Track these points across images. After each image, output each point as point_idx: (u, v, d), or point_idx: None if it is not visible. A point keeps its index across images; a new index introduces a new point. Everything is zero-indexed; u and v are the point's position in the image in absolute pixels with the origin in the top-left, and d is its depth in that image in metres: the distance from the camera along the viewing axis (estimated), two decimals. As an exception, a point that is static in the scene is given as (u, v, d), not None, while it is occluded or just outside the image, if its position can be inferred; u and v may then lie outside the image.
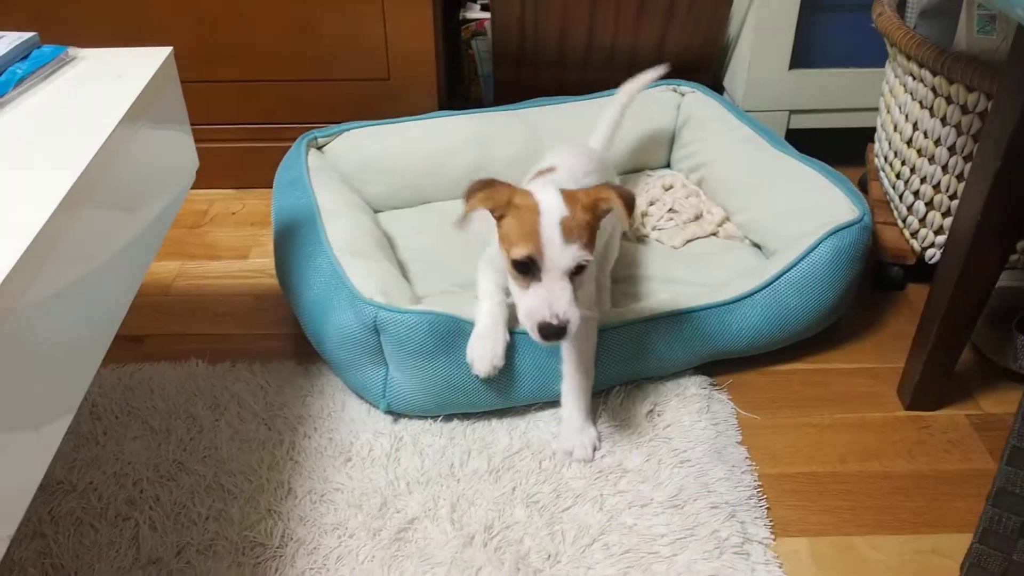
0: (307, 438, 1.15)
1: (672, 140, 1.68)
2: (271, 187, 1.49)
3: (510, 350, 1.13)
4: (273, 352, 1.30)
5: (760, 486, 1.08)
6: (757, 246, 1.47)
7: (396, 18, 1.55)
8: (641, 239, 1.50)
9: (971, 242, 1.05)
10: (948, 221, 1.31)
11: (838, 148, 1.67)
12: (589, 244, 0.98)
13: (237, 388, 1.22)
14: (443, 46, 1.65)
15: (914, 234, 1.38)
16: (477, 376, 1.12)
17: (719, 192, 1.55)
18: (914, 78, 1.30)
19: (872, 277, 1.44)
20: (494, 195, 1.00)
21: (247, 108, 1.64)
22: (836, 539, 1.02)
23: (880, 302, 1.42)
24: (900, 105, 1.36)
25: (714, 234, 1.50)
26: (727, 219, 1.52)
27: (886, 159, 1.44)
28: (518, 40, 1.67)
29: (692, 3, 1.60)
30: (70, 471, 1.09)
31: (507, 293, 1.10)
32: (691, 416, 1.17)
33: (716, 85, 1.79)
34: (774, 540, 1.01)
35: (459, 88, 1.87)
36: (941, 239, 1.34)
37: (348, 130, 1.54)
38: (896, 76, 1.37)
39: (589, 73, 1.73)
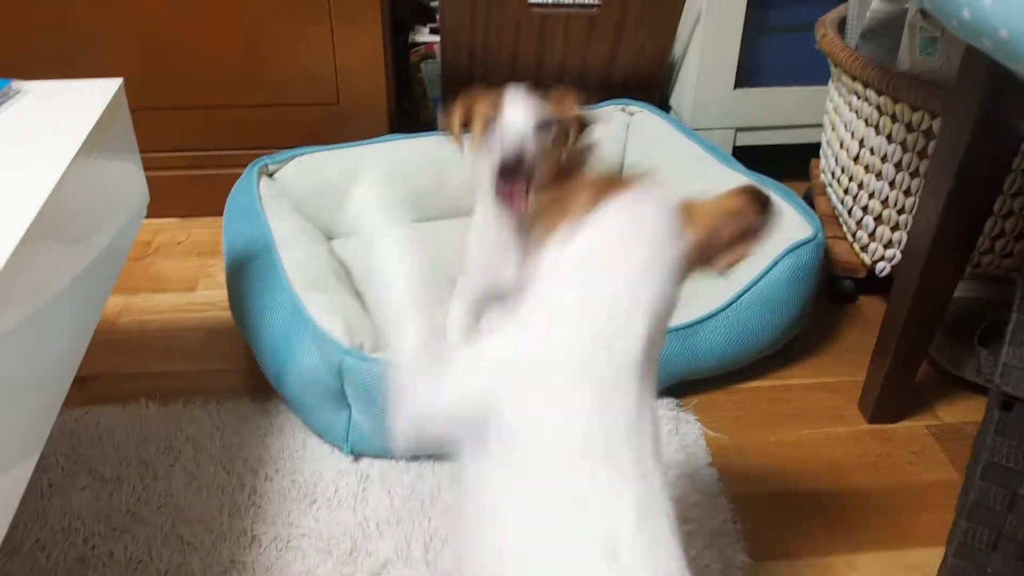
0: (268, 480, 1.11)
1: (622, 159, 1.68)
2: (217, 215, 1.45)
3: None
4: (227, 390, 1.26)
5: (734, 509, 1.08)
6: (711, 264, 1.47)
7: (345, 42, 1.53)
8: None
9: (926, 258, 1.07)
10: (897, 235, 1.34)
11: (782, 163, 1.69)
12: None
13: (191, 430, 1.18)
14: (392, 69, 1.62)
15: (864, 248, 1.40)
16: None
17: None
18: (859, 97, 1.32)
19: (824, 291, 1.46)
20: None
21: (192, 135, 1.60)
22: (814, 560, 1.02)
23: (833, 315, 1.44)
24: (846, 123, 1.38)
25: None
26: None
27: (833, 175, 1.46)
28: (467, 62, 1.66)
29: (639, 24, 1.61)
30: (13, 529, 1.02)
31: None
32: (659, 439, 1.17)
33: (663, 104, 1.81)
34: (754, 564, 1.01)
35: (408, 111, 1.85)
36: (891, 252, 1.36)
37: (300, 156, 1.51)
38: (840, 95, 1.39)
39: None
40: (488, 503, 0.62)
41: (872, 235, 1.38)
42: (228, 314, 1.33)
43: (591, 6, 1.58)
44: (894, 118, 1.26)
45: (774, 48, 1.68)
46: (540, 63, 1.67)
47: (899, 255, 1.35)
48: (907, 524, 1.07)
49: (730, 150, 1.72)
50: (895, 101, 1.25)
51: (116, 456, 1.14)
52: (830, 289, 1.46)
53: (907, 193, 1.29)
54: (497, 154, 1.01)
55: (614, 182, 0.73)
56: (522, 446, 0.62)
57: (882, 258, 1.38)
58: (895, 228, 1.33)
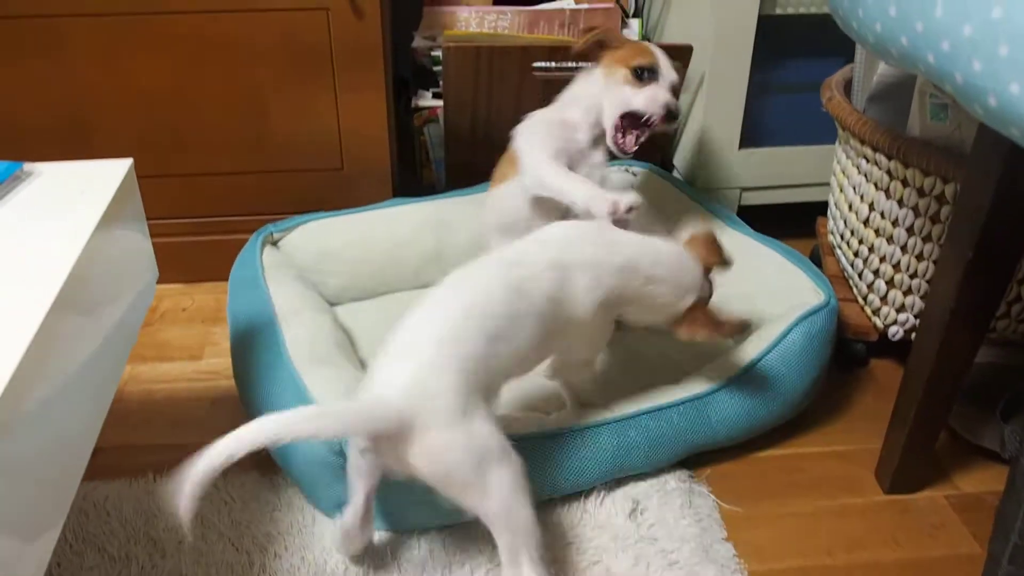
0: (278, 558, 1.09)
1: (628, 221, 1.68)
2: (221, 280, 1.44)
3: None
4: (236, 463, 1.23)
5: (753, 586, 1.06)
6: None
7: (349, 108, 1.53)
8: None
9: (945, 329, 1.06)
10: (910, 299, 1.33)
11: (788, 221, 1.69)
12: None
13: (199, 505, 1.15)
14: (395, 133, 1.63)
15: (876, 312, 1.40)
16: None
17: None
18: (868, 161, 1.32)
19: (835, 355, 1.44)
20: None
21: (197, 202, 1.59)
22: (837, 641, 1.00)
23: (845, 380, 1.43)
24: (855, 186, 1.38)
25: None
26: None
27: (842, 237, 1.46)
28: (470, 126, 1.67)
29: (643, 87, 1.62)
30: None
31: None
32: (674, 513, 1.15)
33: (667, 164, 1.81)
34: (775, 646, 0.99)
35: (411, 173, 1.85)
36: (904, 316, 1.35)
37: (305, 223, 1.51)
38: (849, 157, 1.39)
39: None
40: None
41: (884, 299, 1.37)
42: (233, 383, 1.31)
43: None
44: (905, 183, 1.26)
45: (779, 108, 1.69)
46: (545, 125, 1.67)
47: (912, 319, 1.34)
48: (930, 601, 1.06)
49: (735, 210, 1.72)
50: (906, 166, 1.24)
51: (124, 533, 1.12)
52: (841, 353, 1.45)
53: (920, 258, 1.28)
54: (643, 100, 1.26)
55: None
56: None
57: (895, 322, 1.37)
58: (907, 292, 1.33)
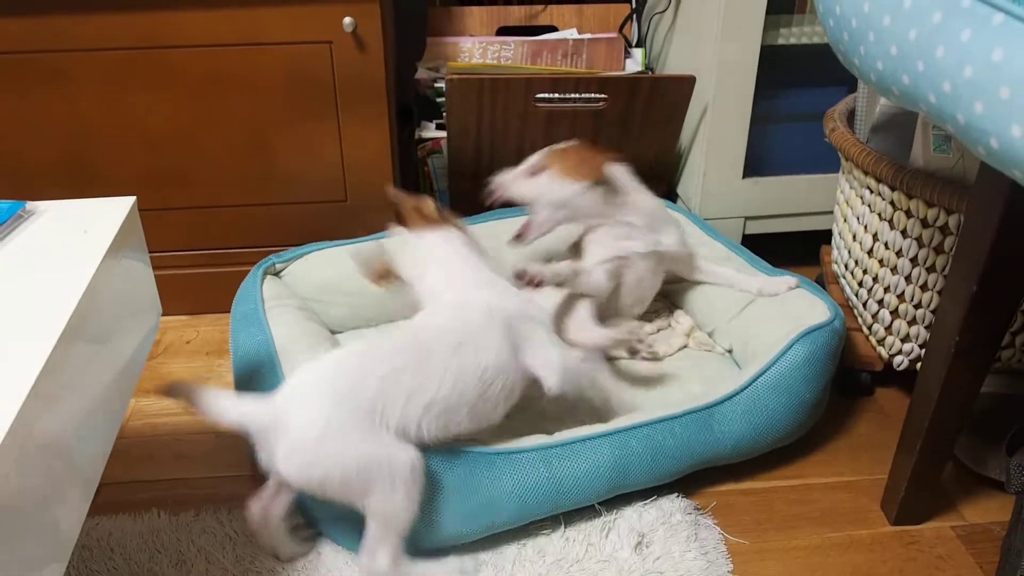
0: (282, 593, 1.09)
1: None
2: (225, 312, 1.45)
3: (483, 472, 1.11)
4: (239, 497, 1.22)
5: (760, 623, 1.05)
6: (728, 351, 1.47)
7: (352, 140, 1.54)
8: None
9: (950, 361, 1.05)
10: (915, 329, 1.33)
11: (792, 249, 1.69)
12: None
13: (203, 541, 1.15)
14: (398, 164, 1.63)
15: (881, 341, 1.39)
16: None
17: (686, 301, 1.55)
18: (872, 192, 1.32)
19: (840, 384, 1.44)
20: None
21: (200, 234, 1.60)
22: None
23: (850, 409, 1.43)
24: (858, 216, 1.38)
25: (685, 345, 1.50)
26: (695, 327, 1.52)
27: (846, 267, 1.46)
28: (473, 156, 1.67)
29: (645, 118, 1.63)
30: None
31: None
32: (680, 546, 1.14)
33: (670, 194, 1.81)
34: None
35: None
36: (908, 346, 1.35)
37: (308, 253, 1.51)
38: (852, 187, 1.40)
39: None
40: None
41: (889, 329, 1.36)
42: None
43: (597, 100, 1.59)
44: (908, 213, 1.26)
45: (782, 137, 1.69)
46: (548, 156, 1.68)
47: (917, 349, 1.34)
48: (939, 637, 1.05)
49: (739, 239, 1.72)
50: (909, 197, 1.25)
51: (128, 570, 1.11)
52: (846, 382, 1.44)
53: (924, 288, 1.28)
54: None
55: None
56: None
57: (899, 352, 1.37)
58: (912, 322, 1.32)
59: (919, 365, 1.30)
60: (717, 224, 1.66)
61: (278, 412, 1.01)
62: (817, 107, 1.53)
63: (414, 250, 1.25)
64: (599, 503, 1.18)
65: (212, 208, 1.58)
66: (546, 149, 1.40)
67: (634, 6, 1.90)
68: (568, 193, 1.37)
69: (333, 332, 1.49)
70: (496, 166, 1.68)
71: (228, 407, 1.02)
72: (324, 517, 1.14)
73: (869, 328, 1.42)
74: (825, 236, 1.63)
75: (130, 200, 0.97)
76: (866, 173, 1.32)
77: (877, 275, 1.35)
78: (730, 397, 1.24)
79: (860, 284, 1.41)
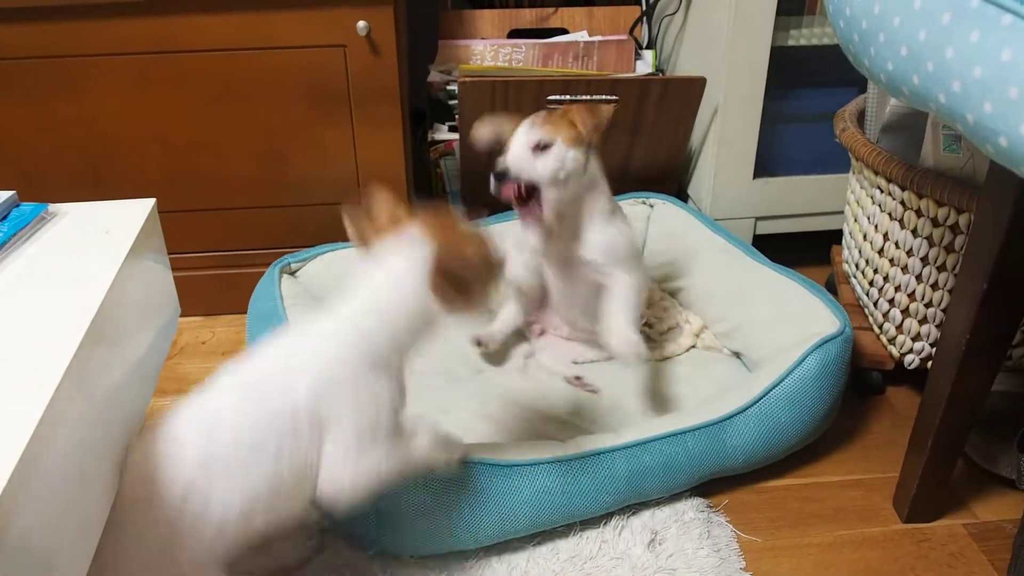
0: (301, 589, 1.10)
1: (642, 251, 1.69)
2: (240, 313, 1.46)
3: (499, 484, 1.12)
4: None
5: (773, 618, 1.06)
6: (736, 354, 1.48)
7: (366, 143, 1.56)
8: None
9: (960, 361, 1.06)
10: (925, 328, 1.33)
11: (803, 249, 1.70)
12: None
13: (222, 538, 1.17)
14: (411, 166, 1.65)
15: (892, 340, 1.40)
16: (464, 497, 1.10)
17: (696, 302, 1.56)
18: (882, 191, 1.33)
19: (851, 383, 1.44)
20: None
21: (216, 236, 1.62)
22: (857, 674, 1.00)
23: (861, 408, 1.43)
24: (869, 216, 1.39)
25: (693, 346, 1.51)
26: (705, 328, 1.53)
27: (857, 266, 1.46)
28: (486, 158, 1.68)
29: (656, 119, 1.64)
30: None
31: None
32: (693, 543, 1.15)
33: (681, 194, 1.82)
34: None
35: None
36: (919, 345, 1.36)
37: (323, 253, 1.53)
38: (862, 187, 1.40)
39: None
40: None
41: (900, 328, 1.37)
42: (255, 416, 1.33)
43: (608, 101, 1.60)
44: (919, 213, 1.27)
45: (792, 137, 1.70)
46: (560, 157, 1.69)
47: (928, 348, 1.35)
48: (951, 633, 1.05)
49: (750, 239, 1.73)
50: (920, 196, 1.25)
51: (144, 568, 1.13)
52: (857, 381, 1.45)
53: (934, 287, 1.29)
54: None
55: None
56: None
57: (910, 351, 1.37)
58: (923, 321, 1.33)
59: (930, 364, 1.31)
60: (728, 224, 1.66)
61: None
62: (827, 108, 1.54)
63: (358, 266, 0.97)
64: (612, 507, 1.19)
65: (227, 211, 1.60)
66: (531, 119, 1.29)
67: (644, 8, 1.91)
68: (580, 160, 1.29)
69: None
70: (508, 168, 1.69)
71: None
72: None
73: (880, 327, 1.42)
74: (836, 236, 1.64)
75: (150, 202, 0.99)
76: (876, 173, 1.32)
77: (888, 274, 1.36)
78: (742, 411, 1.24)
79: (871, 283, 1.41)
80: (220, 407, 0.89)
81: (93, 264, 0.86)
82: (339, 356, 0.90)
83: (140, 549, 0.83)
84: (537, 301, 1.47)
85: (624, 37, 1.88)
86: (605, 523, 1.18)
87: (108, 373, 0.82)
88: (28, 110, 1.48)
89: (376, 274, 0.94)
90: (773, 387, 1.25)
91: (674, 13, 1.82)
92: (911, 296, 1.33)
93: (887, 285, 1.37)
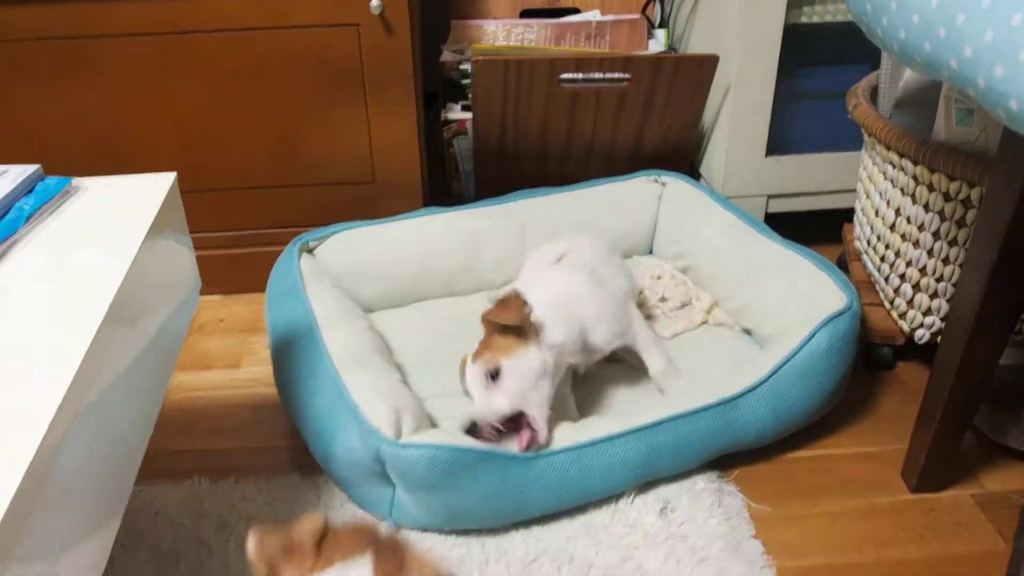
0: (319, 557, 1.12)
1: (654, 229, 1.71)
2: (256, 292, 1.48)
3: (517, 473, 1.13)
4: (277, 466, 1.28)
5: (781, 583, 1.08)
6: (747, 331, 1.49)
7: (380, 122, 1.57)
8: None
9: (970, 332, 1.07)
10: (936, 303, 1.34)
11: (814, 228, 1.71)
12: None
13: (244, 506, 1.19)
14: (425, 146, 1.66)
15: (902, 315, 1.41)
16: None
17: (707, 279, 1.57)
18: (894, 167, 1.34)
19: (861, 358, 1.46)
20: None
21: (233, 216, 1.64)
22: (864, 635, 1.02)
23: (872, 383, 1.45)
24: (881, 191, 1.40)
25: (704, 322, 1.52)
26: (716, 305, 1.54)
27: (868, 242, 1.47)
28: (499, 138, 1.70)
29: (669, 96, 1.65)
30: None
31: None
32: (704, 512, 1.17)
33: (692, 172, 1.83)
34: (805, 641, 1.01)
35: (441, 185, 1.89)
36: (930, 320, 1.37)
37: (339, 232, 1.55)
38: (875, 163, 1.41)
39: (568, 166, 1.77)
40: None
41: (910, 303, 1.38)
42: (272, 391, 1.35)
43: (621, 80, 1.62)
44: (931, 187, 1.28)
45: (805, 115, 1.71)
46: (570, 136, 1.71)
47: (938, 323, 1.36)
48: (958, 598, 1.07)
49: (762, 217, 1.74)
50: (932, 171, 1.26)
51: (173, 533, 1.16)
52: (867, 357, 1.46)
53: (945, 262, 1.30)
54: None
55: None
56: None
57: (921, 326, 1.38)
58: (934, 296, 1.34)
59: (940, 338, 1.32)
60: (739, 202, 1.67)
61: None
62: (840, 85, 1.54)
63: None
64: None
65: (242, 189, 1.62)
66: (466, 359, 1.21)
67: (656, -12, 1.92)
68: (539, 357, 1.17)
69: (367, 311, 1.53)
70: (521, 147, 1.71)
71: None
72: (352, 482, 1.18)
73: (891, 303, 1.43)
74: (847, 215, 1.65)
75: (171, 176, 1.01)
76: (889, 148, 1.33)
77: (899, 250, 1.37)
78: (753, 388, 1.25)
79: (882, 259, 1.42)
80: None
81: (117, 237, 0.88)
82: None
83: None
84: None
85: (636, 16, 1.89)
86: (617, 497, 1.20)
87: (132, 347, 0.83)
88: (46, 91, 1.50)
89: None
90: (783, 364, 1.26)
91: (686, -8, 1.83)
92: (922, 271, 1.34)
93: (898, 260, 1.38)
